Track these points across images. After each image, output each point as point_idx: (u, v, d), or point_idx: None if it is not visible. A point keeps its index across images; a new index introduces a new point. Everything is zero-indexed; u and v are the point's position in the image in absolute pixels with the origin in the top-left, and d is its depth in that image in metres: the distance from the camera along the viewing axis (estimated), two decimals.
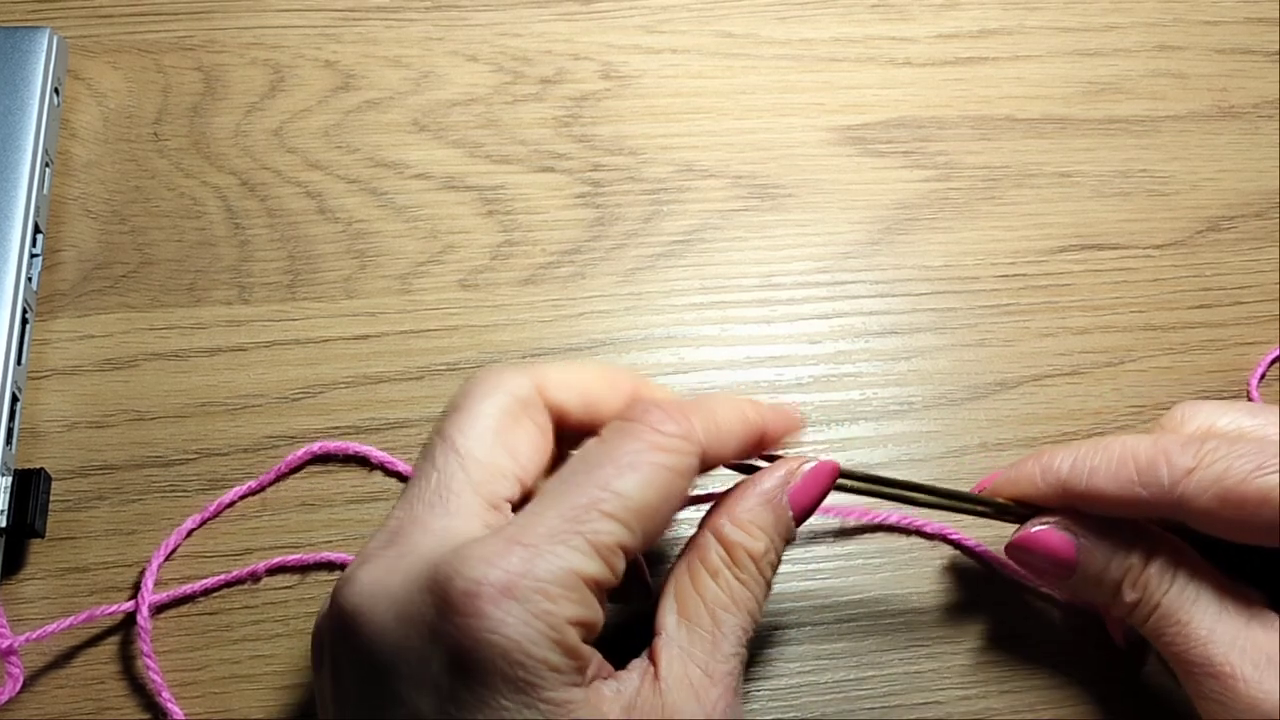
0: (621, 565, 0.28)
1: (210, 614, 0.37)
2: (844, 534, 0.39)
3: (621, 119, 0.46)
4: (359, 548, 0.38)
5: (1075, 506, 0.34)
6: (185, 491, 0.38)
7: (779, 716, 0.37)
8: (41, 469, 0.37)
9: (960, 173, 0.46)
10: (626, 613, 0.34)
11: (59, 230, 0.42)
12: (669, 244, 0.44)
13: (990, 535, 0.39)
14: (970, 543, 0.39)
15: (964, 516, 0.36)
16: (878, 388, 0.42)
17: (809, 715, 0.37)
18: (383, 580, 0.28)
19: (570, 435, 0.32)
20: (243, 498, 0.38)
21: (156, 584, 0.37)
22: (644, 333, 0.42)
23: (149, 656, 0.35)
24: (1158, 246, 0.45)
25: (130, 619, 0.36)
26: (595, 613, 0.28)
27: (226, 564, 0.38)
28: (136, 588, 0.37)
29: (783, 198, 0.45)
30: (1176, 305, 0.44)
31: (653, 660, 0.29)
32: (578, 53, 0.47)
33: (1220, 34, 0.50)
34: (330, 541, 0.38)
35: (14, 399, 0.38)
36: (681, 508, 0.30)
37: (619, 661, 0.30)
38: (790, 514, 0.32)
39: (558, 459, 0.32)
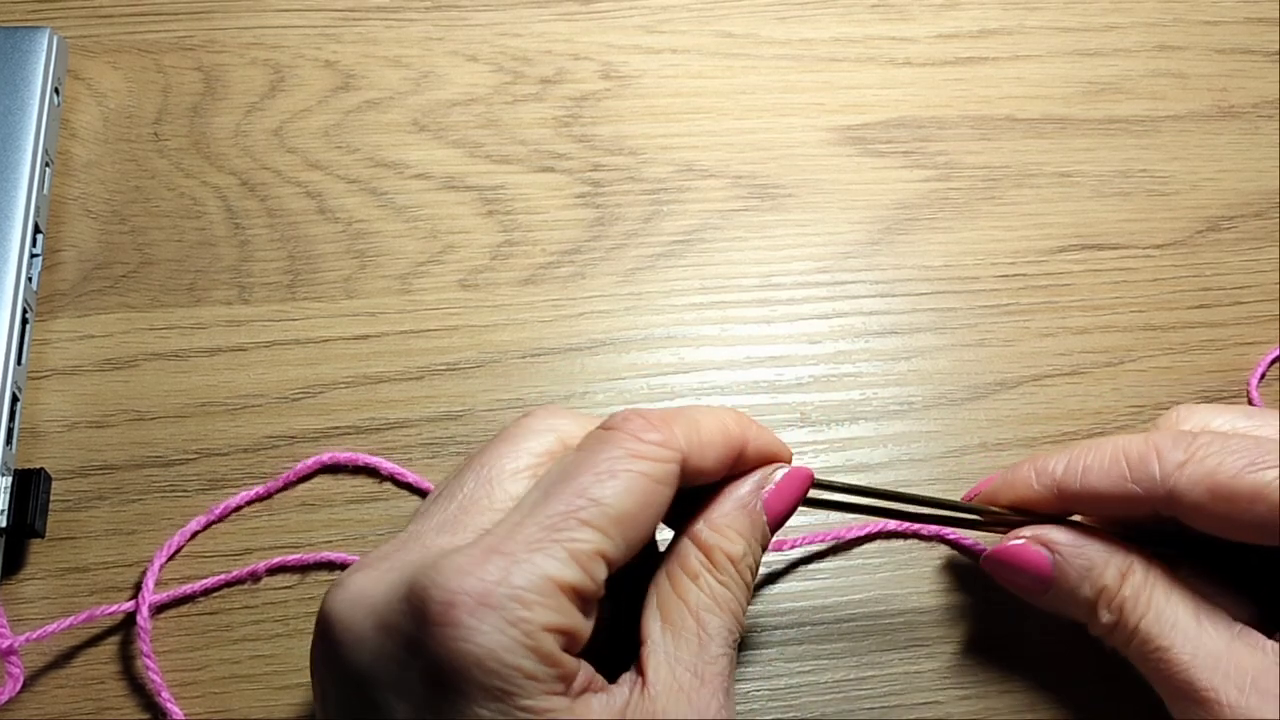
0: (602, 573, 0.28)
1: (210, 614, 0.37)
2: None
3: (621, 119, 0.46)
4: (359, 548, 0.38)
5: (1071, 508, 0.34)
6: (185, 491, 0.38)
7: (779, 716, 0.37)
8: (41, 469, 0.37)
9: (960, 173, 0.46)
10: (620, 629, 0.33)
11: (59, 230, 0.42)
12: (669, 244, 0.44)
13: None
14: (968, 542, 0.39)
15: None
16: (878, 388, 0.42)
17: (809, 715, 0.37)
18: (367, 590, 0.28)
19: None
20: (249, 503, 0.38)
21: (156, 584, 0.37)
22: (644, 333, 0.42)
23: (149, 657, 0.35)
24: (1158, 246, 0.45)
25: (130, 619, 0.36)
26: (575, 621, 0.28)
27: (226, 564, 0.38)
28: (137, 588, 0.37)
29: (783, 198, 0.45)
30: (1176, 305, 0.44)
31: (640, 670, 0.29)
32: (578, 53, 0.47)
33: (1220, 34, 0.50)
34: (330, 542, 0.38)
35: (14, 399, 0.38)
36: (663, 515, 0.30)
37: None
38: (765, 519, 0.32)
39: None
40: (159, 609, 0.37)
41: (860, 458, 0.41)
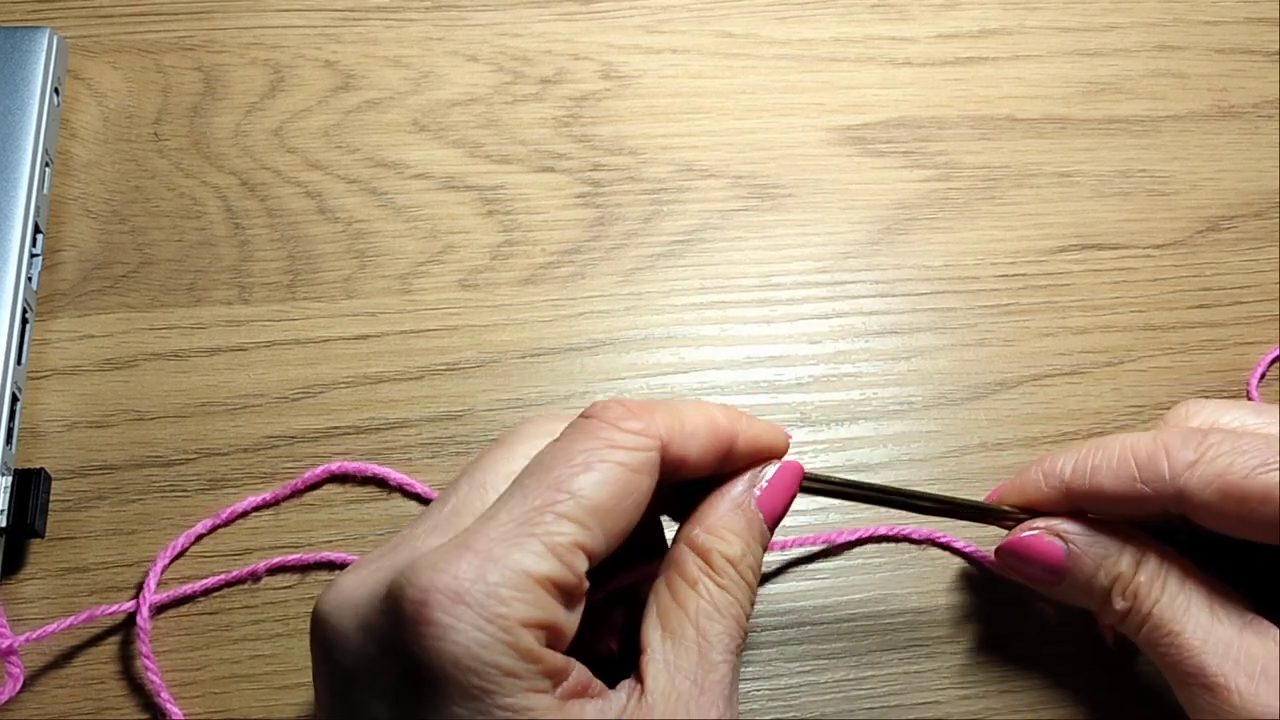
0: (583, 565, 0.28)
1: (210, 614, 0.37)
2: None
3: (621, 119, 0.46)
4: (359, 548, 0.38)
5: (1079, 507, 0.34)
6: (185, 491, 0.38)
7: (779, 716, 0.37)
8: (41, 469, 0.37)
9: (960, 173, 0.46)
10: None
11: (59, 230, 0.42)
12: (669, 244, 0.44)
13: (981, 535, 0.39)
14: (959, 545, 0.39)
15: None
16: (878, 388, 0.42)
17: (809, 715, 0.37)
18: (352, 590, 0.28)
19: None
20: (256, 509, 0.38)
21: (157, 584, 0.37)
22: (644, 333, 0.42)
23: (148, 657, 0.35)
24: (1158, 246, 0.45)
25: (130, 619, 0.36)
26: (556, 615, 0.27)
27: (226, 564, 0.38)
28: (137, 588, 0.37)
29: (783, 198, 0.45)
30: (1176, 305, 0.44)
31: (639, 678, 0.29)
32: (578, 53, 0.47)
33: (1220, 34, 0.50)
34: (330, 542, 0.38)
35: (14, 399, 0.38)
36: (645, 504, 0.29)
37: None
38: (761, 517, 0.31)
39: None
40: (159, 609, 0.37)
41: (860, 458, 0.41)
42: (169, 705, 0.35)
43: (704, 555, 0.30)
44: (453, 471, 0.39)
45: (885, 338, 0.43)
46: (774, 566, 0.39)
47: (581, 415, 0.30)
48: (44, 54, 0.42)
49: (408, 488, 0.39)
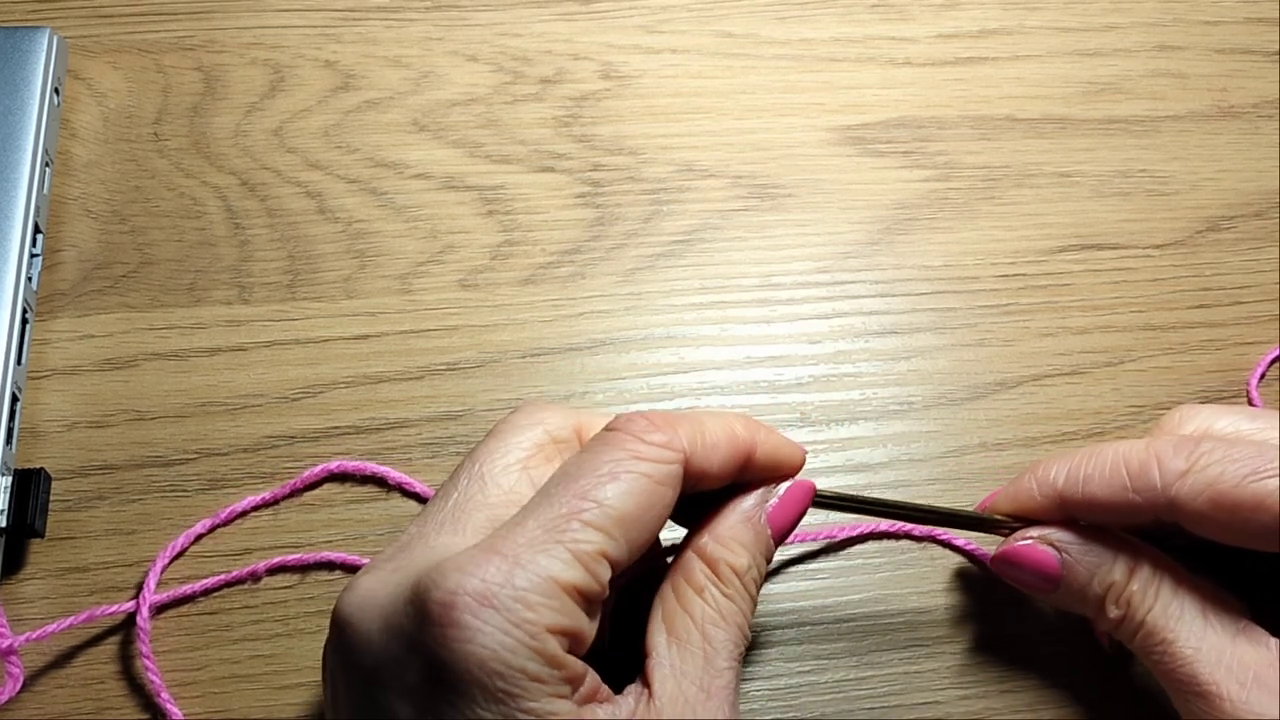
0: (606, 574, 0.28)
1: (210, 614, 0.37)
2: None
3: (621, 119, 0.46)
4: (359, 548, 0.38)
5: (1074, 516, 0.34)
6: (185, 491, 0.38)
7: (779, 716, 0.37)
8: (41, 469, 0.37)
9: (960, 173, 0.46)
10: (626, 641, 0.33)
11: (59, 230, 0.42)
12: (669, 244, 0.44)
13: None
14: (960, 543, 0.39)
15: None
16: (878, 388, 0.42)
17: (809, 715, 0.37)
18: (374, 591, 0.28)
19: None
20: (255, 508, 0.38)
21: (156, 584, 0.37)
22: (644, 333, 0.42)
23: (148, 657, 0.35)
24: (1158, 246, 0.45)
25: (130, 619, 0.36)
26: (579, 622, 0.28)
27: (226, 564, 0.38)
28: (137, 588, 0.37)
29: (783, 198, 0.45)
30: (1176, 305, 0.44)
31: (646, 682, 0.29)
32: (578, 53, 0.47)
33: (1220, 34, 0.50)
34: (330, 542, 0.38)
35: (14, 399, 0.38)
36: (667, 517, 0.30)
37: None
38: (769, 532, 0.32)
39: None
40: (159, 609, 0.37)
41: (860, 458, 0.41)
42: (169, 705, 0.35)
43: (712, 565, 0.31)
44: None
45: (885, 338, 0.43)
46: (774, 565, 0.39)
47: (606, 428, 0.30)
48: (44, 54, 0.42)
49: (407, 487, 0.39)
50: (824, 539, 0.39)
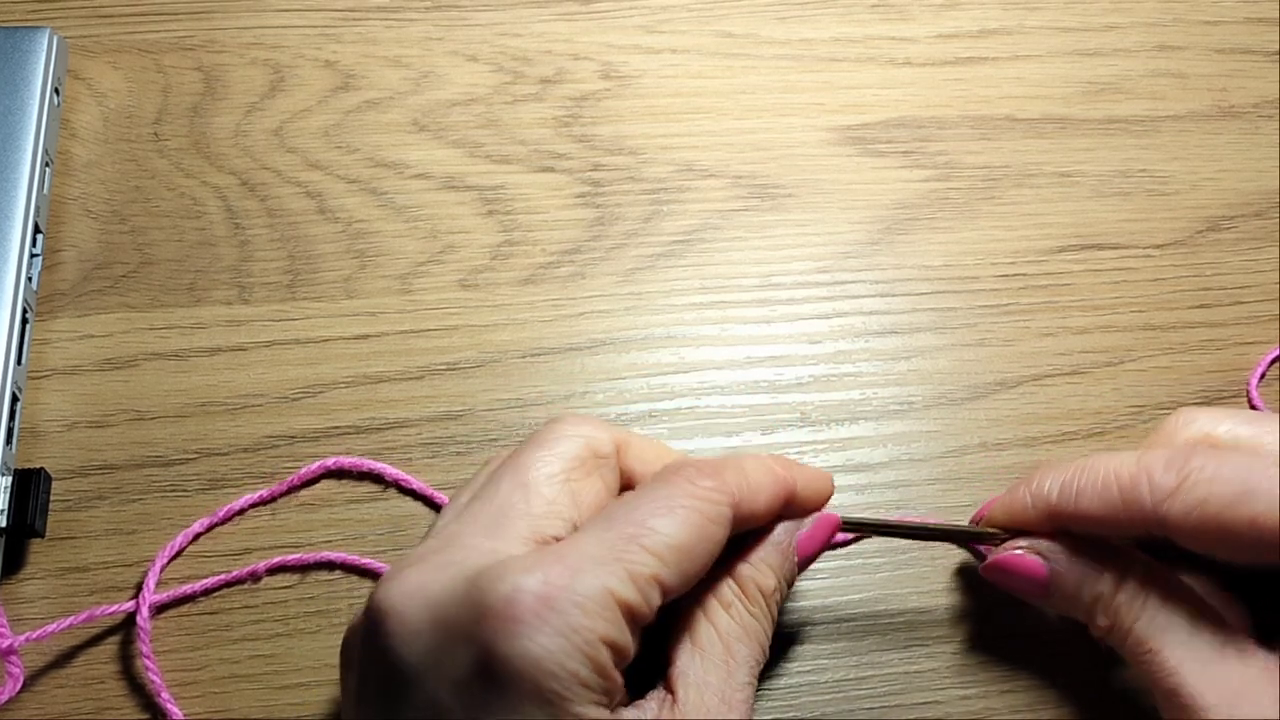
0: (657, 599, 0.29)
1: (210, 614, 0.37)
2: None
3: (621, 119, 0.46)
4: (359, 548, 0.38)
5: (1067, 528, 0.34)
6: (185, 491, 0.38)
7: (779, 716, 0.37)
8: (41, 469, 0.37)
9: (960, 173, 0.46)
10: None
11: (59, 230, 0.42)
12: (669, 244, 0.44)
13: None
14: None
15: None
16: (878, 388, 0.42)
17: (809, 715, 0.37)
18: (423, 584, 0.29)
19: None
20: (253, 506, 0.38)
21: (156, 584, 0.37)
22: (644, 333, 0.42)
23: (148, 657, 0.35)
24: (1158, 246, 0.45)
25: (130, 619, 0.36)
26: (627, 639, 0.28)
27: (226, 564, 0.38)
28: (137, 588, 0.37)
29: (783, 198, 0.45)
30: (1176, 305, 0.44)
31: (669, 689, 0.30)
32: (578, 53, 0.47)
33: (1220, 34, 0.50)
34: (330, 542, 0.38)
35: (14, 399, 0.38)
36: (716, 555, 0.31)
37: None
38: (795, 559, 0.33)
39: None
40: (159, 609, 0.37)
41: (860, 458, 0.41)
42: (169, 705, 0.35)
43: (741, 582, 0.32)
44: (453, 471, 0.39)
45: (885, 338, 0.43)
46: None
47: (656, 476, 0.32)
48: (44, 54, 0.42)
49: (404, 484, 0.39)
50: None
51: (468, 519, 0.31)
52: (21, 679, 0.35)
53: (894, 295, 0.43)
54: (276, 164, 0.44)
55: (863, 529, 0.37)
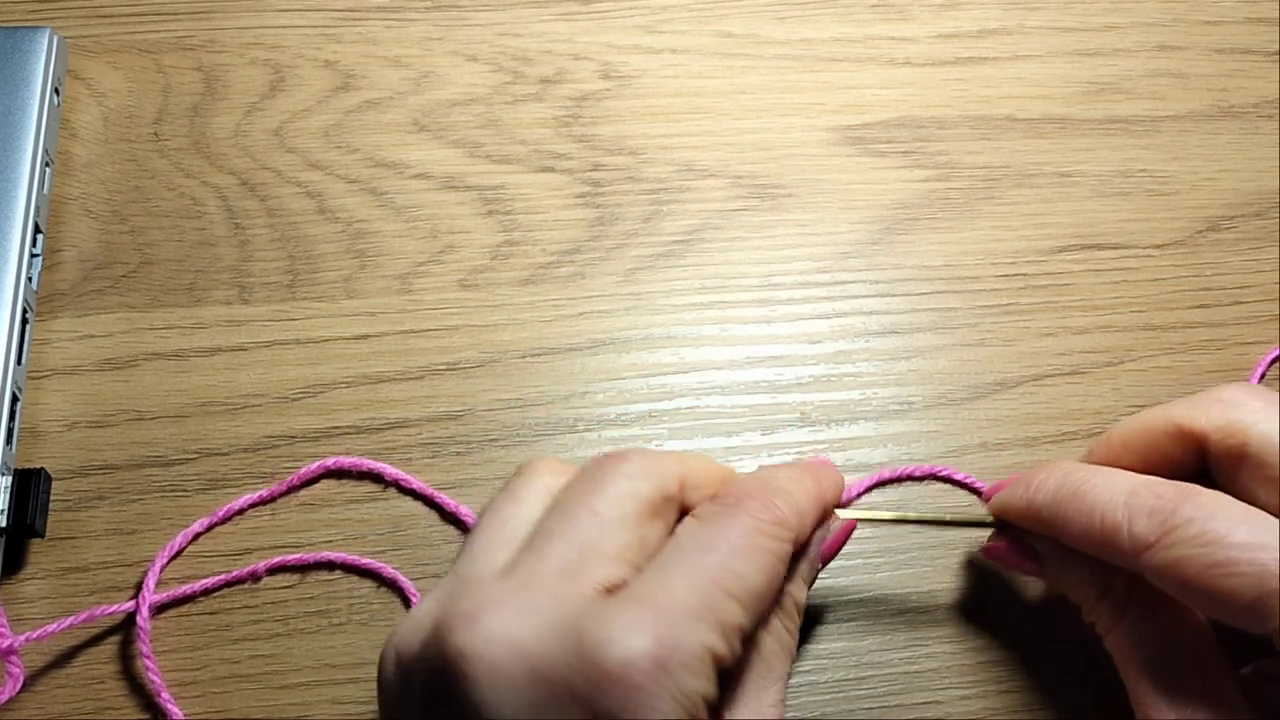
0: (739, 649, 0.29)
1: (210, 614, 0.37)
2: None
3: (621, 119, 0.46)
4: (359, 548, 0.38)
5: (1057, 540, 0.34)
6: (185, 491, 0.38)
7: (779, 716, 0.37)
8: (41, 469, 0.37)
9: (960, 173, 0.46)
10: None
11: (59, 230, 0.42)
12: (669, 244, 0.44)
13: (983, 468, 0.41)
14: (960, 477, 0.40)
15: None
16: (878, 388, 0.42)
17: (809, 715, 0.37)
18: (514, 634, 0.27)
19: None
20: (252, 505, 0.38)
21: (156, 584, 0.37)
22: (644, 333, 0.42)
23: (148, 657, 0.35)
24: (1158, 246, 0.45)
25: (130, 619, 0.36)
26: (716, 691, 0.28)
27: (226, 564, 0.38)
28: (137, 588, 0.37)
29: (783, 198, 0.45)
30: (1176, 305, 0.44)
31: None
32: (578, 53, 0.47)
33: (1220, 34, 0.50)
34: (330, 542, 0.38)
35: (14, 399, 0.38)
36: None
37: None
38: (819, 565, 0.34)
39: None
40: (159, 609, 0.37)
41: (860, 458, 0.41)
42: (169, 705, 0.35)
43: (778, 598, 0.32)
44: (453, 471, 0.39)
45: (885, 338, 0.43)
46: None
47: (715, 502, 0.31)
48: (44, 54, 0.42)
49: (404, 484, 0.39)
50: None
51: (541, 558, 0.29)
52: (21, 679, 0.35)
53: (894, 295, 0.43)
54: (276, 164, 0.44)
55: (871, 522, 0.38)
